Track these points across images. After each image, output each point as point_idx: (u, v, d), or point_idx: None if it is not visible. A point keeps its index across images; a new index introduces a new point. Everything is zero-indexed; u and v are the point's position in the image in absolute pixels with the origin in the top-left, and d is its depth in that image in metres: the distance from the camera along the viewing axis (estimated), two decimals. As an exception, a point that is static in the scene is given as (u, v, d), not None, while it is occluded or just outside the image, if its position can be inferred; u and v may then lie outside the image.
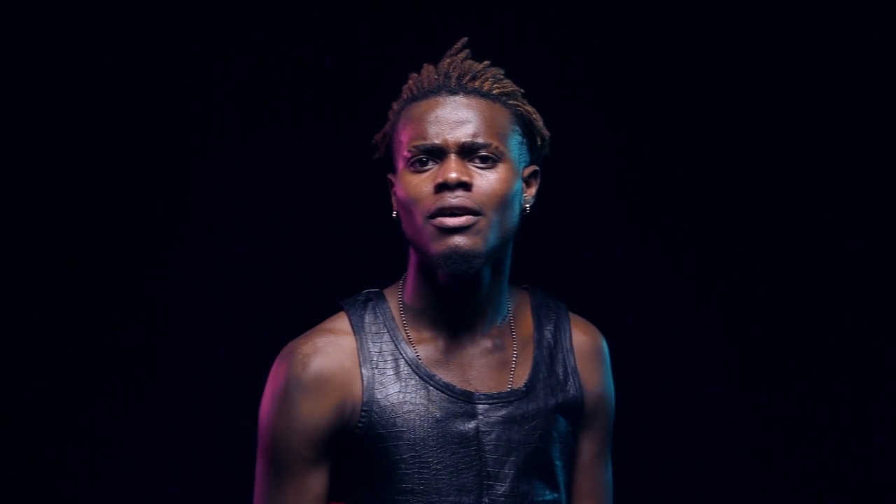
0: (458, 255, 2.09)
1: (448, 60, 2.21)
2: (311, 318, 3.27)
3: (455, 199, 2.09)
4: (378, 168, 2.29)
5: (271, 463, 2.14)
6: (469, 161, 2.12)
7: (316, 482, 2.13)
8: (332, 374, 2.14)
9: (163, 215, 3.26)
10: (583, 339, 2.28)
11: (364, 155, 3.28)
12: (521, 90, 2.22)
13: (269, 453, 2.15)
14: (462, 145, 2.12)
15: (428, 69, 2.21)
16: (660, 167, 3.35)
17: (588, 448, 2.28)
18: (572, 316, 2.30)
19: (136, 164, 3.25)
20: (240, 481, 3.27)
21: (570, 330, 2.27)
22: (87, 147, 3.23)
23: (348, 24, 3.28)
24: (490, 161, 2.13)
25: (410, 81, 2.22)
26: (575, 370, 2.24)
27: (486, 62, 2.21)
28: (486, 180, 2.11)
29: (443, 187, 2.10)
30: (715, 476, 3.38)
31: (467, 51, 2.23)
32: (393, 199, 2.20)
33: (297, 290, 3.31)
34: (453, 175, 2.09)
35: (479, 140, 2.12)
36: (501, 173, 2.13)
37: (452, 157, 2.12)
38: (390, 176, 2.21)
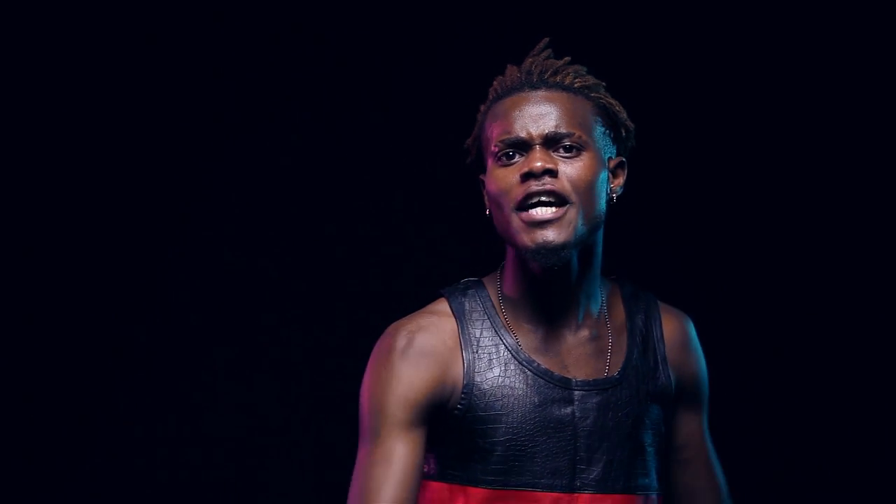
0: (547, 249, 2.15)
1: (530, 60, 2.28)
2: (315, 318, 3.35)
3: (542, 186, 2.15)
4: (470, 173, 2.35)
5: (367, 430, 2.17)
6: (554, 151, 2.19)
7: (406, 449, 2.15)
8: (434, 350, 2.19)
9: (165, 215, 3.34)
10: (673, 326, 2.34)
11: (365, 156, 3.38)
12: (604, 84, 2.28)
13: (366, 420, 2.18)
14: (546, 136, 2.19)
15: (511, 69, 2.28)
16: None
17: (697, 424, 2.36)
18: (661, 305, 2.35)
19: (142, 164, 3.31)
20: (239, 481, 3.34)
21: (660, 319, 2.32)
22: (88, 148, 3.29)
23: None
24: (574, 150, 2.19)
25: (495, 83, 2.29)
26: (665, 359, 2.30)
27: (567, 58, 2.28)
28: (572, 168, 2.18)
29: (529, 176, 2.16)
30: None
31: (549, 51, 2.29)
32: (485, 198, 2.26)
33: (298, 292, 3.38)
34: (538, 164, 2.16)
35: (562, 130, 2.19)
36: (586, 161, 2.19)
37: (537, 148, 2.18)
38: (481, 176, 2.28)
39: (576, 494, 2.19)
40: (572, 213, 2.16)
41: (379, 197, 3.42)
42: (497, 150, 2.21)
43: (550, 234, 2.15)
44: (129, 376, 3.33)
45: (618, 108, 2.28)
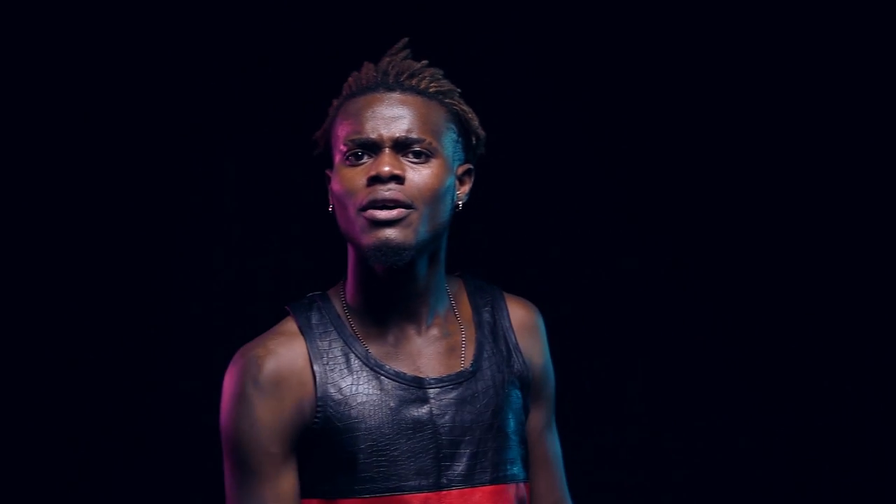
0: (388, 247, 2.16)
1: (388, 59, 2.28)
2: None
3: (387, 191, 2.16)
4: (318, 164, 2.34)
5: (240, 467, 2.17)
6: (403, 156, 2.19)
7: (288, 481, 2.17)
8: (287, 374, 2.19)
9: (163, 217, 3.33)
10: (520, 314, 2.36)
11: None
12: (459, 90, 2.28)
13: (236, 457, 2.17)
14: (396, 140, 2.18)
15: (367, 67, 2.27)
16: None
17: (537, 419, 2.36)
18: (507, 295, 2.37)
19: (138, 166, 3.31)
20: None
21: (506, 308, 2.35)
22: (87, 149, 3.28)
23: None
24: (423, 156, 2.19)
25: (350, 79, 2.28)
26: (517, 346, 2.32)
27: (425, 62, 2.28)
28: (419, 175, 2.18)
29: (375, 180, 2.16)
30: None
31: (407, 51, 2.29)
32: (329, 193, 2.25)
33: (297, 292, 3.39)
34: (386, 168, 2.16)
35: (413, 135, 2.19)
36: (434, 168, 2.19)
37: (387, 151, 2.18)
38: (328, 171, 2.27)
39: (444, 492, 2.20)
40: (415, 216, 2.17)
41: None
42: (346, 149, 2.20)
43: (392, 234, 2.16)
44: (130, 378, 3.33)
45: (471, 115, 2.29)
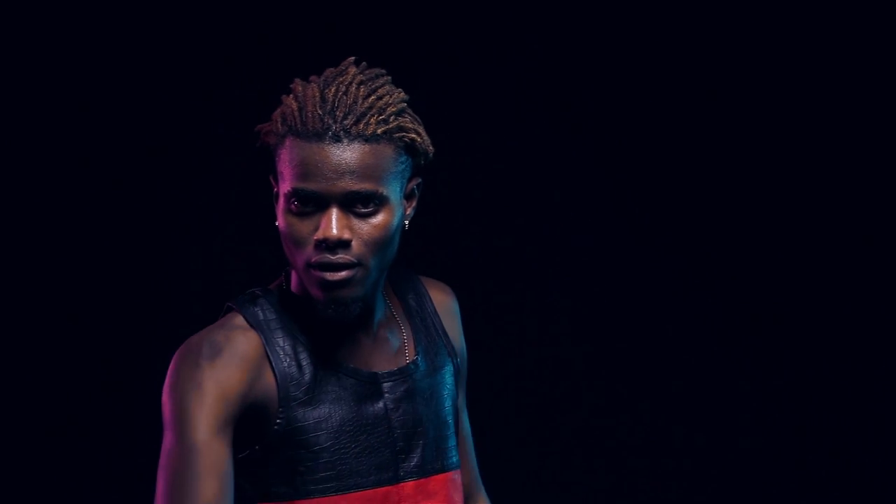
0: (337, 303, 2.17)
1: (333, 90, 2.16)
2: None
3: (335, 257, 2.14)
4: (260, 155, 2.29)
5: (181, 427, 2.13)
6: (351, 207, 2.15)
7: (226, 445, 2.13)
8: (246, 355, 2.17)
9: (162, 215, 3.34)
10: (441, 298, 2.40)
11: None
12: (406, 114, 2.19)
13: (178, 419, 2.13)
14: (344, 195, 2.13)
15: (313, 100, 2.15)
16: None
17: (458, 400, 2.43)
18: (424, 279, 2.41)
19: (137, 164, 3.33)
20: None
21: (428, 294, 2.39)
22: (86, 148, 3.30)
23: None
24: (372, 205, 2.15)
25: (294, 104, 2.16)
26: (444, 331, 2.38)
27: (371, 97, 2.16)
28: (367, 226, 2.15)
29: (322, 244, 2.14)
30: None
31: (353, 70, 2.18)
32: (277, 208, 2.21)
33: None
34: (334, 233, 2.12)
35: (361, 189, 2.13)
36: (383, 216, 2.16)
37: (334, 209, 2.13)
38: (272, 179, 2.22)
39: (401, 484, 2.26)
40: (362, 272, 2.16)
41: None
42: (291, 194, 2.15)
43: (343, 293, 2.16)
44: (130, 379, 3.34)
45: (419, 140, 2.20)
